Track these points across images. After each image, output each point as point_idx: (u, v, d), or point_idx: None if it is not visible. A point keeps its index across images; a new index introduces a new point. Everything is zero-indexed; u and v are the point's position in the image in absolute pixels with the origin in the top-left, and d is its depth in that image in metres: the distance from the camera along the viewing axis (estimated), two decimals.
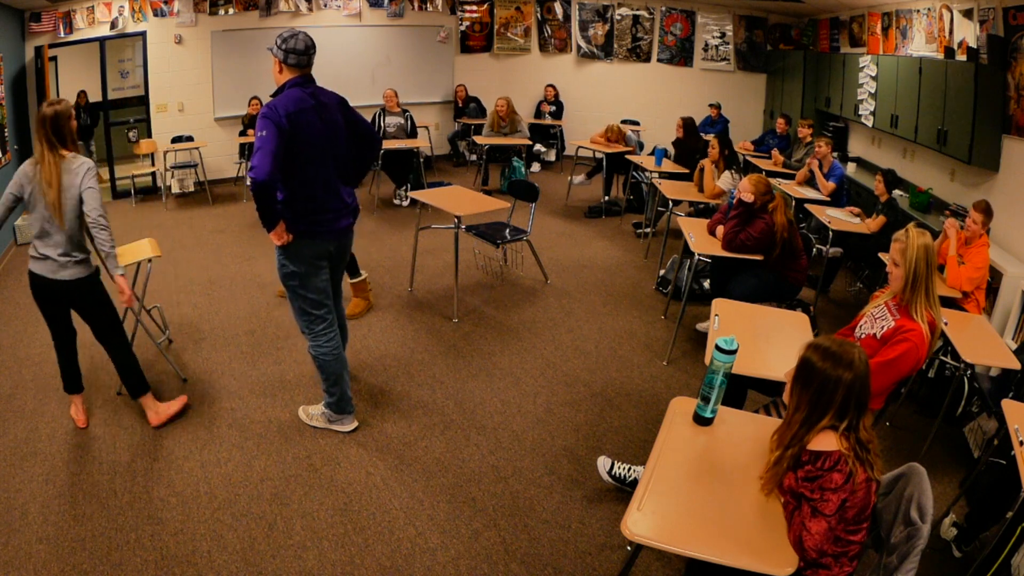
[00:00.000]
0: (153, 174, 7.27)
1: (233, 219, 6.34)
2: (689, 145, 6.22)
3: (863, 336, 2.39)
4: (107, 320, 2.84)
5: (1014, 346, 3.58)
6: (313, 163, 2.57)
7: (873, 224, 4.42)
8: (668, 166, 6.04)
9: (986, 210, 3.55)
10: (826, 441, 1.58)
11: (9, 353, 3.62)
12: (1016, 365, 2.80)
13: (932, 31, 5.22)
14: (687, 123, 6.35)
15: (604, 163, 6.72)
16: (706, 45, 8.79)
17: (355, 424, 3.01)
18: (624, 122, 7.86)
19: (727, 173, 4.91)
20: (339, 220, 2.72)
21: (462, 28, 8.80)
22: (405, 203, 6.84)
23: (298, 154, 2.49)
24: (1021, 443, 1.96)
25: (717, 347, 1.88)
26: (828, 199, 5.17)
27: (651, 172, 6.02)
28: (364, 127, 2.77)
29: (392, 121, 6.77)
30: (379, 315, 4.23)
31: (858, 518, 1.55)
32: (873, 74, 5.97)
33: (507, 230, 4.65)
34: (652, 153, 6.30)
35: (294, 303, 2.76)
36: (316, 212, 2.63)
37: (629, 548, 2.27)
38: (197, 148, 6.97)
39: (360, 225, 6.39)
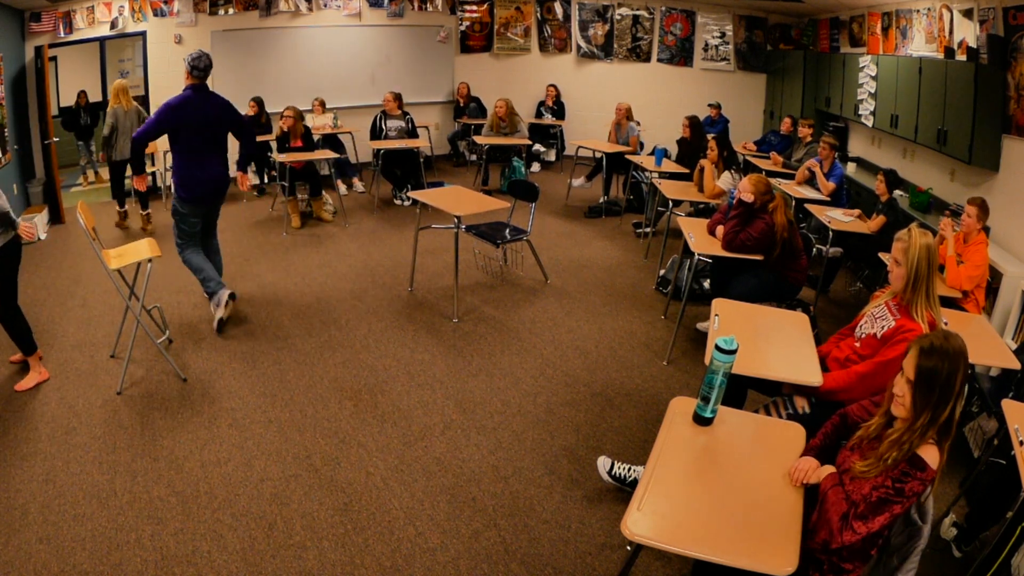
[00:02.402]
0: (153, 174, 7.25)
1: (233, 219, 6.33)
2: (695, 144, 6.21)
3: (863, 336, 2.39)
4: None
5: (1014, 346, 3.58)
6: (191, 140, 3.71)
7: (873, 224, 4.42)
8: (668, 166, 6.04)
9: (981, 205, 3.55)
10: (930, 454, 1.57)
11: (8, 353, 3.62)
12: (1016, 365, 2.80)
13: (932, 31, 5.22)
14: (693, 122, 6.34)
15: (604, 163, 6.71)
16: (706, 45, 8.79)
17: (228, 291, 3.96)
18: (627, 119, 7.83)
19: (727, 173, 4.91)
20: (211, 180, 3.87)
21: (462, 28, 8.80)
22: (406, 203, 6.84)
23: (180, 132, 3.69)
24: (1021, 443, 1.96)
25: (717, 347, 1.88)
26: (828, 199, 5.18)
27: (651, 172, 6.02)
28: (241, 126, 4.03)
29: (393, 124, 6.76)
30: (379, 315, 4.23)
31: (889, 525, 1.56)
32: (873, 74, 5.97)
33: (507, 230, 4.65)
34: (652, 153, 6.29)
35: (175, 228, 3.96)
36: (193, 171, 3.77)
37: (629, 548, 2.27)
38: None
39: (360, 225, 6.41)
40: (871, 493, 1.55)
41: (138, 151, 3.77)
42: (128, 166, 5.51)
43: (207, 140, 3.78)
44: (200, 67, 3.68)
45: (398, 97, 6.84)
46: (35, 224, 3.24)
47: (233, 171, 4.13)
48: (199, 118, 3.70)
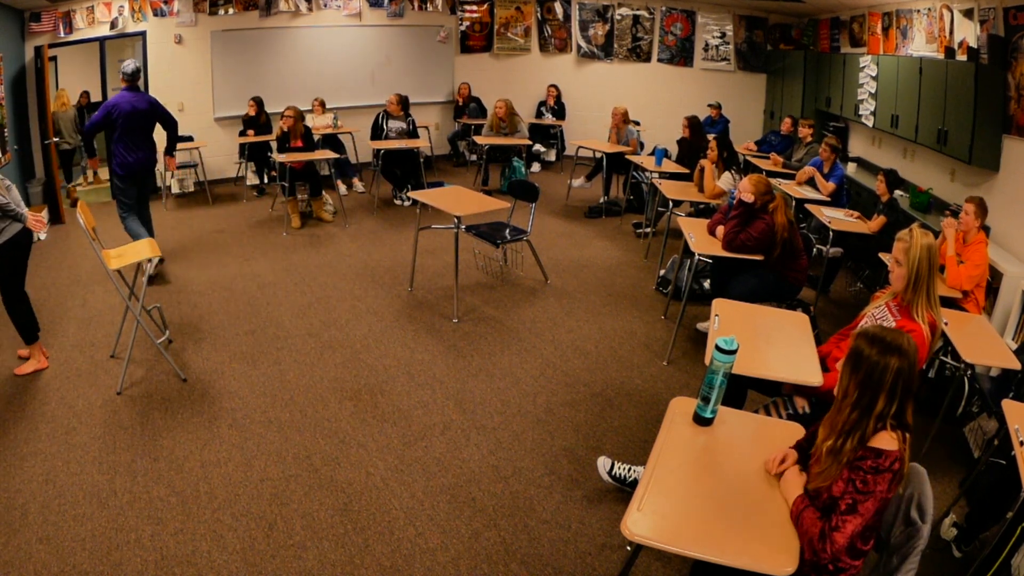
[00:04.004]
0: (153, 174, 7.26)
1: (233, 219, 6.34)
2: (695, 144, 6.20)
3: None
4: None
5: (1014, 346, 3.58)
6: (124, 130, 4.54)
7: (873, 224, 4.42)
8: (668, 166, 6.03)
9: (979, 204, 3.55)
10: (886, 440, 1.57)
11: (9, 352, 3.62)
12: (1016, 365, 2.80)
13: (932, 31, 5.22)
14: (693, 122, 6.33)
15: (604, 163, 6.71)
16: (706, 45, 8.79)
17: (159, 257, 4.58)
18: (624, 123, 7.85)
19: (727, 173, 4.91)
20: (141, 161, 4.68)
21: (462, 28, 8.80)
22: (406, 203, 6.84)
23: (118, 124, 4.52)
24: (1021, 443, 1.96)
25: (717, 347, 1.88)
26: (828, 199, 5.17)
27: (651, 172, 6.02)
28: (166, 119, 4.83)
29: (394, 125, 6.76)
30: (379, 315, 4.23)
31: (874, 522, 1.55)
32: (873, 74, 5.97)
33: (507, 230, 4.64)
34: (652, 153, 6.29)
35: (117, 202, 4.78)
36: (128, 154, 4.60)
37: (629, 548, 2.27)
38: (197, 148, 6.96)
39: (360, 225, 6.42)
40: (841, 500, 1.54)
41: (87, 139, 4.72)
42: (75, 153, 7.28)
43: (137, 130, 4.62)
44: (127, 72, 4.56)
45: (402, 100, 6.82)
46: (44, 217, 3.33)
47: (163, 160, 5.18)
48: (130, 112, 4.54)
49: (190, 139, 7.13)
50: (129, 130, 4.56)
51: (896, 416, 1.58)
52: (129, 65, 4.57)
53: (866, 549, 1.59)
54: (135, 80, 4.63)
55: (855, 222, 4.57)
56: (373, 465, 2.78)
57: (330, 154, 6.37)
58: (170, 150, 5.06)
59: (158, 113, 4.76)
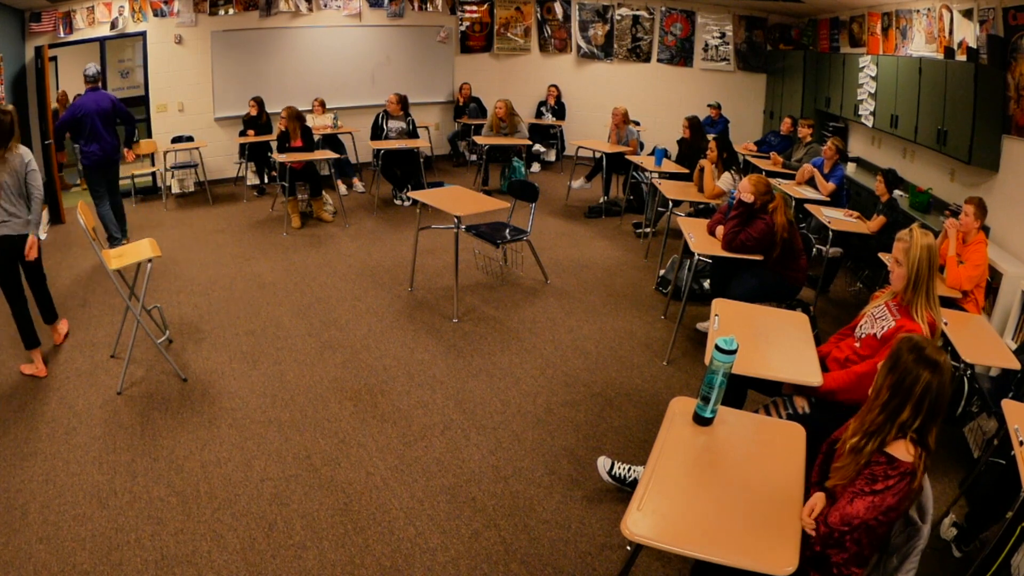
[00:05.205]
0: (153, 174, 7.27)
1: (233, 219, 6.34)
2: (695, 145, 6.20)
3: (863, 336, 2.39)
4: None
5: (1014, 346, 3.58)
6: (89, 126, 5.06)
7: (873, 224, 4.42)
8: (668, 166, 6.03)
9: (980, 204, 3.55)
10: (901, 450, 1.57)
11: (9, 352, 3.62)
12: (1016, 365, 2.80)
13: (932, 31, 5.22)
14: (693, 123, 6.33)
15: (604, 163, 6.71)
16: (706, 45, 8.79)
17: (124, 242, 5.22)
18: (624, 123, 7.84)
19: (727, 173, 4.91)
20: (103, 153, 5.19)
21: (462, 28, 8.80)
22: (406, 203, 6.84)
23: (83, 121, 5.04)
24: (1021, 443, 1.96)
25: (717, 347, 1.88)
26: (828, 199, 5.18)
27: (651, 172, 6.02)
28: (123, 113, 5.35)
29: (394, 125, 6.75)
30: (379, 315, 4.23)
31: (882, 529, 1.56)
32: (873, 74, 5.98)
33: (507, 230, 4.64)
34: (652, 153, 6.29)
35: (91, 191, 5.33)
36: (91, 146, 5.12)
37: (629, 548, 2.27)
38: (197, 148, 6.97)
39: (360, 225, 6.43)
40: (844, 492, 1.56)
41: (59, 135, 5.48)
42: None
43: (101, 126, 5.12)
44: (88, 75, 5.12)
45: (402, 99, 6.82)
46: (38, 233, 3.34)
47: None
48: (94, 111, 5.07)
49: (190, 139, 7.14)
50: (93, 127, 5.08)
51: (919, 431, 1.58)
52: (90, 68, 5.13)
53: (865, 554, 1.59)
54: (97, 82, 5.17)
55: (855, 222, 4.57)
56: (373, 465, 2.78)
57: (330, 154, 6.37)
58: (128, 143, 5.57)
59: (119, 110, 5.28)
